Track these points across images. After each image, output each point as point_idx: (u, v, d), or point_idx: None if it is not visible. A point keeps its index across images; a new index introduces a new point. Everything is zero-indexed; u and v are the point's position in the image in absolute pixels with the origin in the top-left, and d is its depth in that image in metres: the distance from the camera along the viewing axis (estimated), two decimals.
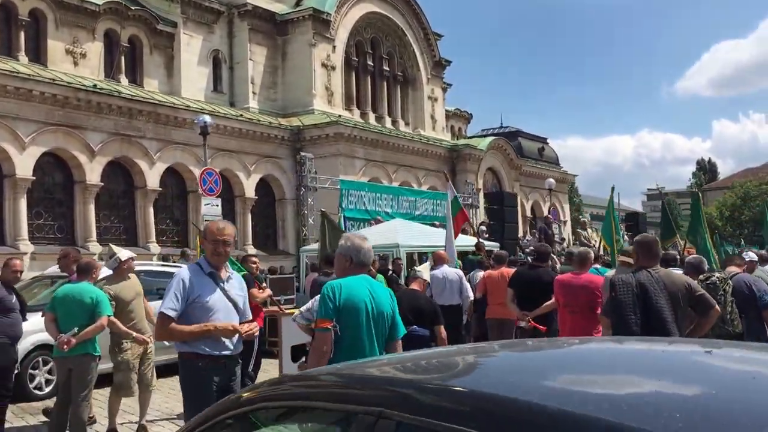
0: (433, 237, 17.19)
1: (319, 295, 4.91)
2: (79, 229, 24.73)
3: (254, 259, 11.53)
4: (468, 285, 11.00)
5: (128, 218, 26.74)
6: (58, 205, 24.66)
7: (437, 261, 11.45)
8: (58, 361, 7.64)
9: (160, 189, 27.00)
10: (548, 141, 51.54)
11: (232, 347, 5.06)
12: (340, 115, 32.94)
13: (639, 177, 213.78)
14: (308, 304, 5.58)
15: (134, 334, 7.97)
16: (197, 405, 4.42)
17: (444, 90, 43.42)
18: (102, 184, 25.13)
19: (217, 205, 17.73)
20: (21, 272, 8.30)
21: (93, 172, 24.76)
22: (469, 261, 14.56)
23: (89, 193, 24.73)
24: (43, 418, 8.99)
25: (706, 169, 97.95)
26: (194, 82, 31.53)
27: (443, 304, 10.53)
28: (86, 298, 7.43)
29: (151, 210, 26.82)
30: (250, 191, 29.32)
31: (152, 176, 26.66)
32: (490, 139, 38.94)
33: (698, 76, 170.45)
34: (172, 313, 4.83)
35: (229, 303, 5.10)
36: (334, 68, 34.51)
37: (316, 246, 20.04)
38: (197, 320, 4.89)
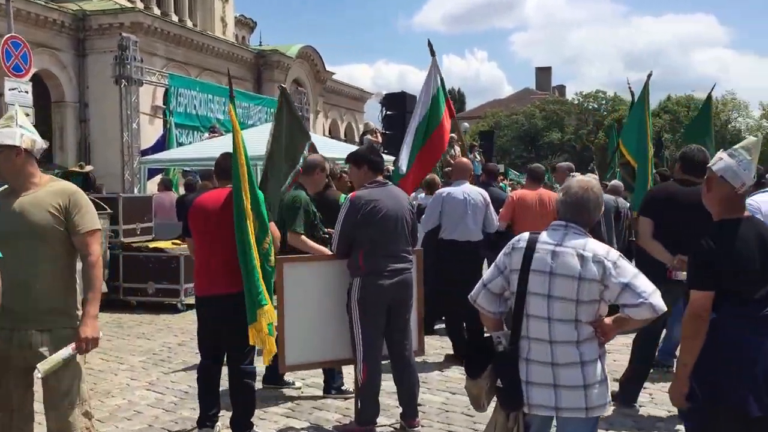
0: (334, 148, 13.61)
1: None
2: None
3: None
4: (494, 214, 7.67)
5: None
6: None
7: (458, 174, 7.64)
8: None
9: None
10: None
11: None
12: (123, 6, 27.16)
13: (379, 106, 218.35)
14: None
15: None
16: None
17: None
18: None
19: (27, 92, 12.50)
20: None
21: None
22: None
23: None
24: None
25: (455, 99, 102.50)
26: None
27: (459, 239, 7.19)
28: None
29: None
30: None
31: None
32: (298, 45, 34.98)
33: (433, 12, 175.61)
34: None
35: None
36: None
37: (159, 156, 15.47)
38: None
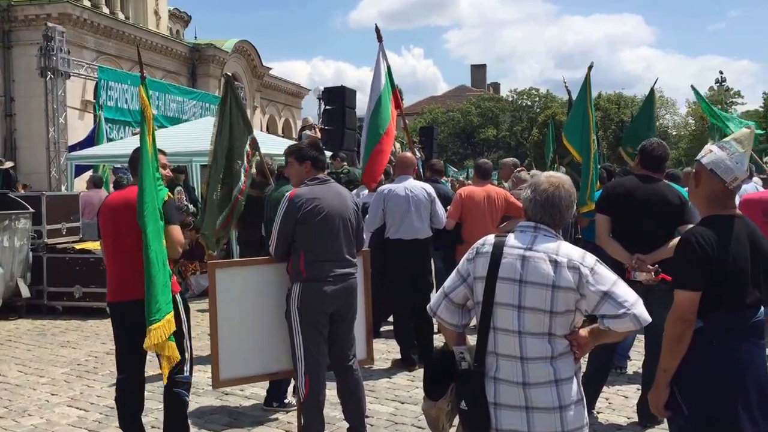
0: (272, 144, 13.08)
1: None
2: None
3: None
4: (442, 209, 7.26)
5: None
6: None
7: (400, 168, 7.16)
8: None
9: None
10: None
11: None
12: None
13: (316, 103, 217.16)
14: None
15: None
16: None
17: None
18: None
19: None
20: None
21: None
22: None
23: None
24: None
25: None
26: None
27: (405, 238, 6.82)
28: None
29: None
30: None
31: None
32: (234, 40, 34.20)
33: (369, 9, 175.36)
34: None
35: None
36: None
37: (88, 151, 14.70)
38: None
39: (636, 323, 2.74)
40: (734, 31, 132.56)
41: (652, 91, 11.06)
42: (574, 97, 9.88)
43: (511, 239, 2.90)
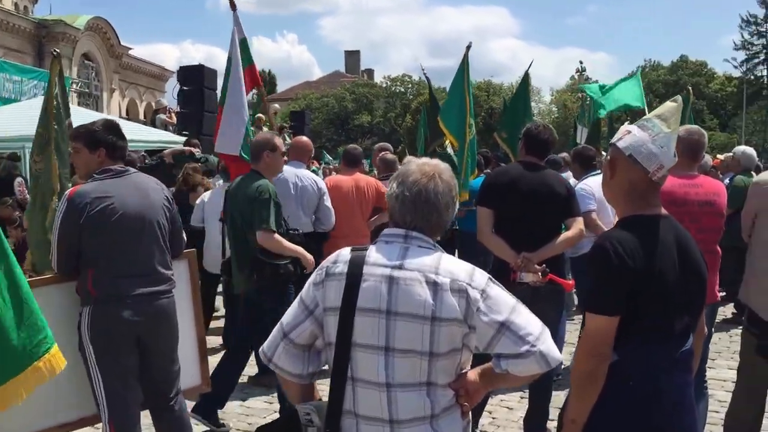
0: (132, 131, 11.67)
1: None
2: None
3: None
4: (331, 208, 6.25)
5: None
6: None
7: (295, 154, 6.32)
8: None
9: None
10: None
11: None
12: None
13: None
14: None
15: None
16: None
17: None
18: None
19: None
20: None
21: None
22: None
23: None
24: None
25: (266, 81, 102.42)
26: None
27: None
28: None
29: None
30: None
31: None
32: (87, 16, 31.74)
33: None
34: None
35: None
36: None
37: None
38: None
39: (543, 364, 2.01)
40: (592, 25, 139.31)
41: (527, 74, 10.53)
42: (436, 84, 9.31)
43: (372, 254, 2.09)
